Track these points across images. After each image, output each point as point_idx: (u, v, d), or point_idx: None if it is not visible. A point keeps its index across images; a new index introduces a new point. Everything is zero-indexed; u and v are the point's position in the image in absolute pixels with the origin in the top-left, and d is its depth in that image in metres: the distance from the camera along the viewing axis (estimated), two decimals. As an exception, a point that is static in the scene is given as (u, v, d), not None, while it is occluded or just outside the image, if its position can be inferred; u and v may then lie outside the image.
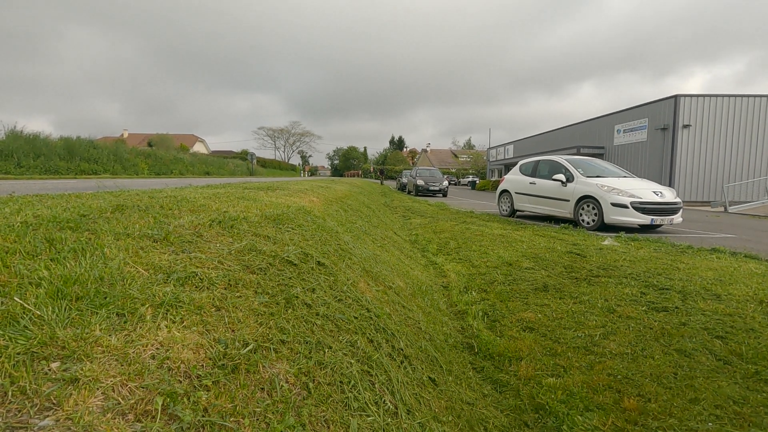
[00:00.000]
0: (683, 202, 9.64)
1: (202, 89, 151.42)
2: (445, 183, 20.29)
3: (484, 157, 42.33)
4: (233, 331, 1.20)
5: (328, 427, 1.07)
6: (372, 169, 68.42)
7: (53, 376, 0.82)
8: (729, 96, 17.22)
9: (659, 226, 7.26)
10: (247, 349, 1.14)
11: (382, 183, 31.23)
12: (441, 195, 19.66)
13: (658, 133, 17.77)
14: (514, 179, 9.64)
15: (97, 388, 0.82)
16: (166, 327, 1.07)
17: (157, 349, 0.99)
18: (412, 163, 66.59)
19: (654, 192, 7.23)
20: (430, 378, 1.79)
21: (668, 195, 7.31)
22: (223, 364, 1.04)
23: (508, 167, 31.03)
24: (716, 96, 17.18)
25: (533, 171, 9.16)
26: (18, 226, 1.50)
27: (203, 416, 0.87)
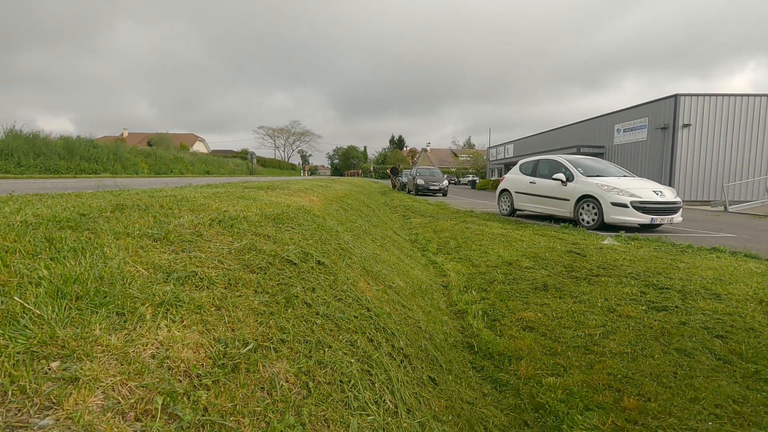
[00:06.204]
0: (683, 201, 9.64)
1: (236, 85, 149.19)
2: (445, 182, 20.28)
3: (484, 157, 42.32)
4: (233, 330, 1.19)
5: (328, 427, 1.07)
6: (372, 169, 68.06)
7: (53, 376, 0.82)
8: (729, 95, 17.21)
9: (659, 225, 7.25)
10: (247, 348, 1.13)
11: (394, 186, 24.76)
12: (441, 194, 19.65)
13: (658, 132, 17.77)
14: (514, 178, 9.64)
15: (97, 388, 0.82)
16: (166, 326, 1.07)
17: (157, 348, 0.99)
18: (412, 163, 66.47)
19: (654, 191, 7.23)
20: (430, 377, 1.79)
21: (668, 194, 7.30)
22: (223, 364, 1.04)
23: (508, 166, 30.98)
24: (716, 95, 17.17)
25: (533, 170, 9.15)
26: (18, 225, 1.50)
27: (203, 415, 0.87)
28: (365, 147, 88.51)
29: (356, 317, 1.72)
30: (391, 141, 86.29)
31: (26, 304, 0.98)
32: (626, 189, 7.13)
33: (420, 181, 19.92)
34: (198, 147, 47.49)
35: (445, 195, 19.74)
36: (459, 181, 46.98)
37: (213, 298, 1.30)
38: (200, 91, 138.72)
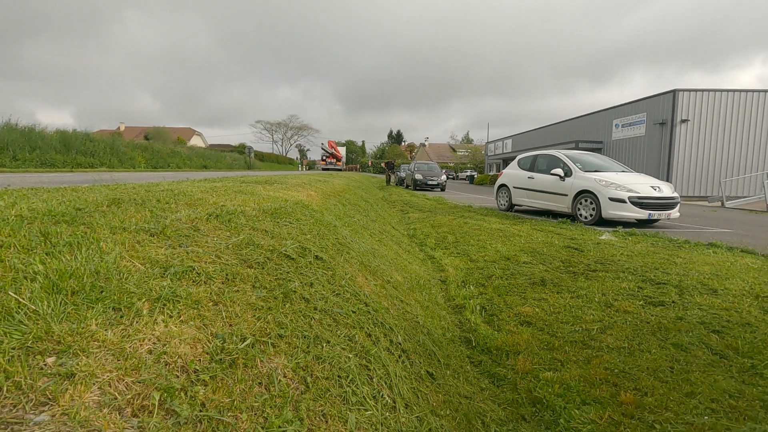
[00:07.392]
0: (681, 196, 9.67)
1: (242, 79, 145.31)
2: (443, 177, 20.26)
3: (483, 152, 42.30)
4: (231, 325, 1.19)
5: (326, 422, 1.07)
6: (370, 164, 67.91)
7: (49, 371, 0.81)
8: (727, 91, 17.21)
9: (657, 220, 7.27)
10: (245, 343, 1.13)
11: (389, 181, 23.16)
12: (439, 189, 19.64)
13: (656, 127, 17.77)
14: (512, 174, 9.63)
15: (94, 383, 0.81)
16: (163, 322, 1.07)
17: (154, 343, 0.98)
18: (410, 157, 66.35)
19: (652, 187, 7.24)
20: (428, 372, 1.79)
21: (666, 190, 7.32)
22: (221, 359, 1.04)
23: (506, 161, 30.96)
24: (714, 91, 17.16)
25: (531, 165, 9.14)
26: (13, 219, 1.49)
27: (200, 411, 0.87)
28: (363, 142, 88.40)
29: (354, 312, 1.71)
30: (390, 135, 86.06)
31: (21, 300, 0.98)
32: (624, 184, 7.14)
33: (418, 176, 19.89)
34: (195, 141, 47.28)
35: (443, 190, 19.73)
36: (457, 176, 46.98)
37: (210, 293, 1.29)
38: (205, 84, 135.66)
